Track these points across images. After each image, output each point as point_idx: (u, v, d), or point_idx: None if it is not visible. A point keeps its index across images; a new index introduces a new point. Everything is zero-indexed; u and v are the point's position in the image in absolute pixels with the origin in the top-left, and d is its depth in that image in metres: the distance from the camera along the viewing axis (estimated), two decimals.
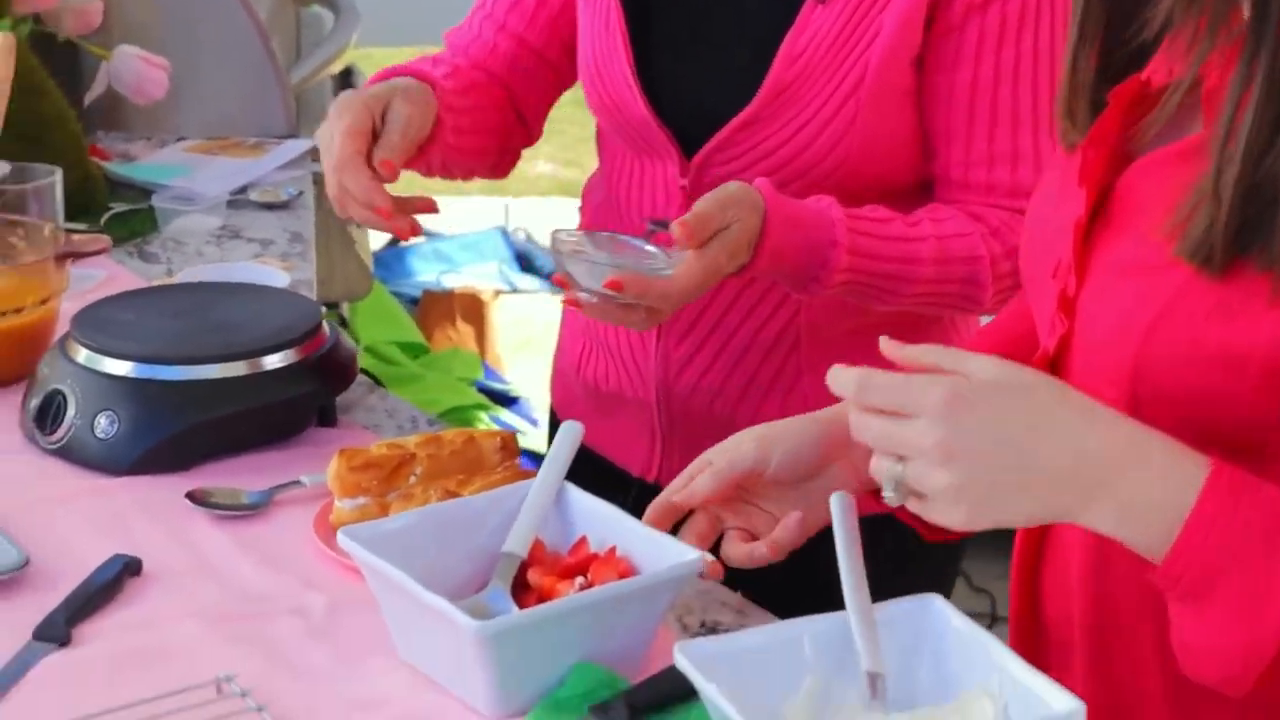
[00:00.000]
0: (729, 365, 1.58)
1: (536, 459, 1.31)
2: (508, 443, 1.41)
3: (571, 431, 1.30)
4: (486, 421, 3.52)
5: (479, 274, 4.30)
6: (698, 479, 1.23)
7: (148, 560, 1.32)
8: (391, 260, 4.27)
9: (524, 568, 1.21)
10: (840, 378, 0.98)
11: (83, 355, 1.52)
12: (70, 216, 1.98)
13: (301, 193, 2.31)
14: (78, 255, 1.76)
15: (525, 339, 4.00)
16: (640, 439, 1.65)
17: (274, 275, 1.87)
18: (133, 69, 2.16)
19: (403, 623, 1.19)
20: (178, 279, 1.90)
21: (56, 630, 1.22)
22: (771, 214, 1.38)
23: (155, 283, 1.91)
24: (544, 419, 2.48)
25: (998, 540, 1.15)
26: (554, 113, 1.73)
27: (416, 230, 1.47)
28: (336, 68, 3.19)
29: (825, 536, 1.14)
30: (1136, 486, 0.93)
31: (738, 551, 1.22)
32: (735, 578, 1.26)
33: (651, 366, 1.61)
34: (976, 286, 1.47)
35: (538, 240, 4.56)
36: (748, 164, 1.49)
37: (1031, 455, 0.93)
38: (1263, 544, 0.92)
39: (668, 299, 1.36)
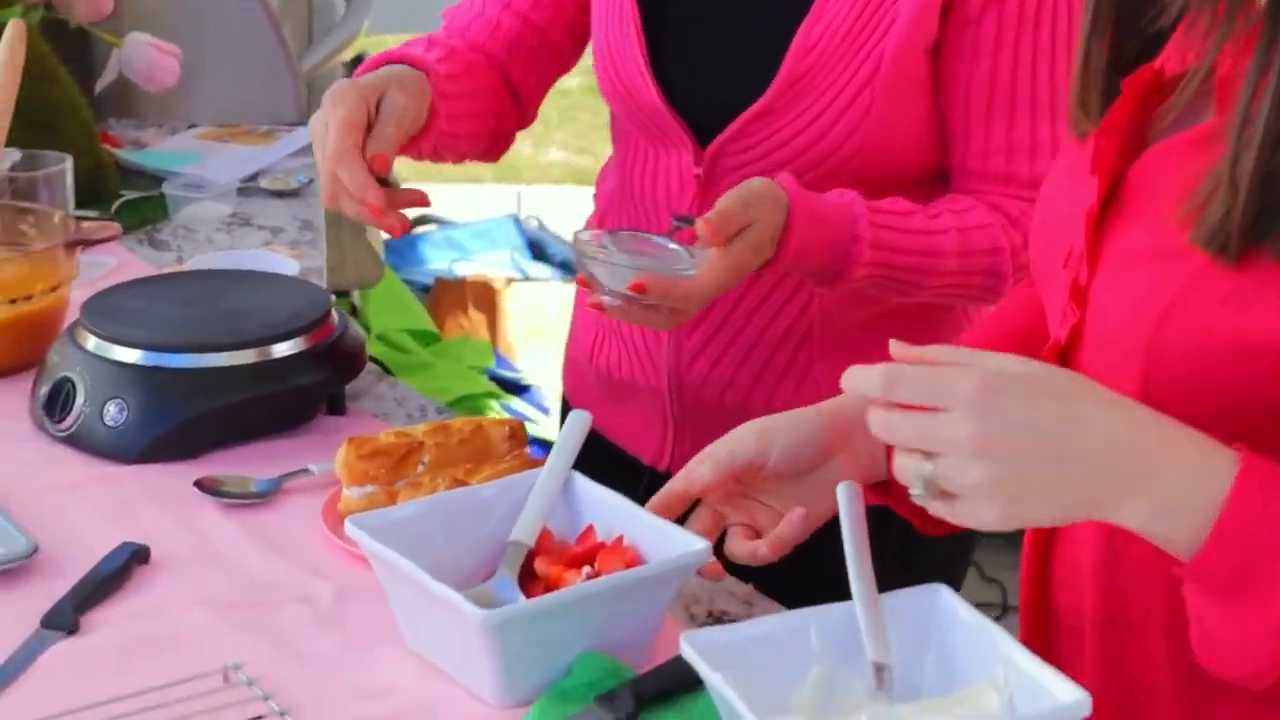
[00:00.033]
0: (741, 354, 1.57)
1: (547, 447, 1.30)
2: (516, 431, 1.41)
3: (580, 420, 1.29)
4: (498, 410, 3.52)
5: (491, 262, 4.29)
6: (698, 468, 1.22)
7: (156, 548, 1.32)
8: (403, 248, 4.26)
9: (531, 557, 1.21)
10: (862, 376, 0.94)
11: (92, 343, 1.52)
12: (80, 204, 1.98)
13: (312, 180, 2.30)
14: (88, 242, 1.76)
15: (537, 327, 3.99)
16: (652, 428, 1.65)
17: (284, 263, 1.87)
18: (144, 56, 2.16)
19: (410, 611, 1.18)
20: (188, 266, 1.90)
21: (64, 618, 1.22)
22: (795, 210, 1.37)
23: (165, 270, 1.91)
24: (555, 407, 2.48)
25: (1009, 530, 1.14)
26: (567, 100, 1.74)
27: (407, 227, 1.44)
28: (348, 55, 3.19)
29: (832, 528, 1.13)
30: (1171, 479, 0.91)
31: (741, 548, 1.21)
32: (742, 568, 1.25)
33: (664, 355, 1.60)
34: (997, 278, 1.47)
35: (550, 228, 4.55)
36: (762, 154, 1.48)
37: (1068, 446, 0.90)
38: None
39: (691, 299, 1.35)
